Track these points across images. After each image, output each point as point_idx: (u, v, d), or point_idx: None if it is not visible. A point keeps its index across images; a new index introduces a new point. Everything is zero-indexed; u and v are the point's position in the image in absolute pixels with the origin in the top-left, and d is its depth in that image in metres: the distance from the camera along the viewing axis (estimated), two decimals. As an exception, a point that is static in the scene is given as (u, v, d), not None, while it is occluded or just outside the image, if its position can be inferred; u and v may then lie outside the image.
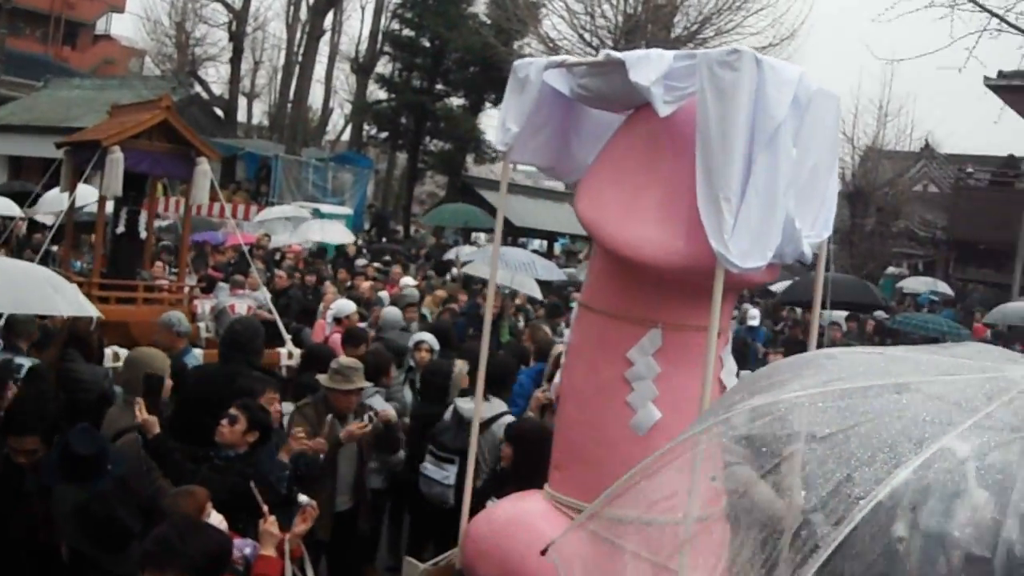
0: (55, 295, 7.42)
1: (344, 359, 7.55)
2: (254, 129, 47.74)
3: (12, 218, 21.93)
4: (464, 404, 7.18)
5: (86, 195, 19.10)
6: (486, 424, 6.97)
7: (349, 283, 16.14)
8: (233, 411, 5.82)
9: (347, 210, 31.59)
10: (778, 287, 18.43)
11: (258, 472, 5.45)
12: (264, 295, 12.66)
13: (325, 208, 28.57)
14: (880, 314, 20.30)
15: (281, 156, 34.40)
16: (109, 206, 11.90)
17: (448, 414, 7.33)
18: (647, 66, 4.39)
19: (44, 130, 40.16)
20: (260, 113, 51.50)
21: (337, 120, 52.59)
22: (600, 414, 4.77)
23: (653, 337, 4.65)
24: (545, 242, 37.85)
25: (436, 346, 9.24)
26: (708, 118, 4.22)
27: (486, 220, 26.53)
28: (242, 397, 6.10)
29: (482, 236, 33.41)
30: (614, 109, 5.07)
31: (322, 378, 7.23)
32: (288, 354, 9.89)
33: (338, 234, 22.80)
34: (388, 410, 7.48)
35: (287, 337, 10.39)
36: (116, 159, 10.72)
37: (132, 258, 12.12)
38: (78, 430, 5.27)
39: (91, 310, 7.81)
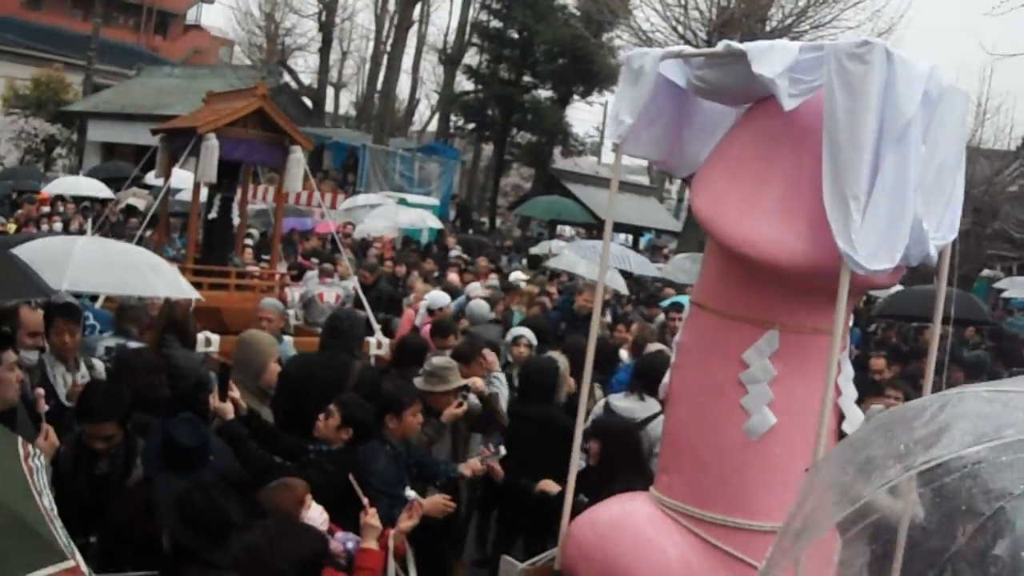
0: (155, 277, 7.46)
1: (437, 359, 7.44)
2: (341, 119, 48.10)
3: (106, 201, 22.43)
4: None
5: (181, 181, 19.48)
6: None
7: (437, 273, 16.09)
8: (331, 406, 5.76)
9: (433, 200, 31.72)
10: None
11: (356, 468, 5.37)
12: (353, 284, 12.65)
13: (411, 198, 28.66)
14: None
15: (369, 146, 34.63)
16: (202, 193, 12.00)
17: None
18: (771, 57, 4.21)
19: (137, 117, 41.04)
20: (347, 103, 51.90)
21: (423, 111, 52.87)
22: (712, 417, 4.62)
23: (770, 339, 4.49)
24: (631, 236, 37.54)
25: (534, 341, 9.02)
26: (836, 112, 4.03)
27: (579, 214, 26.40)
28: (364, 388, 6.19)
29: (567, 229, 33.24)
30: (731, 102, 4.89)
31: (417, 382, 7.13)
32: (377, 343, 9.84)
33: (426, 219, 22.88)
34: (476, 381, 7.30)
35: (376, 327, 10.34)
36: (211, 146, 10.82)
37: (224, 244, 12.24)
38: (180, 420, 5.24)
39: (190, 292, 7.84)
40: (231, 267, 11.73)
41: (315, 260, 16.67)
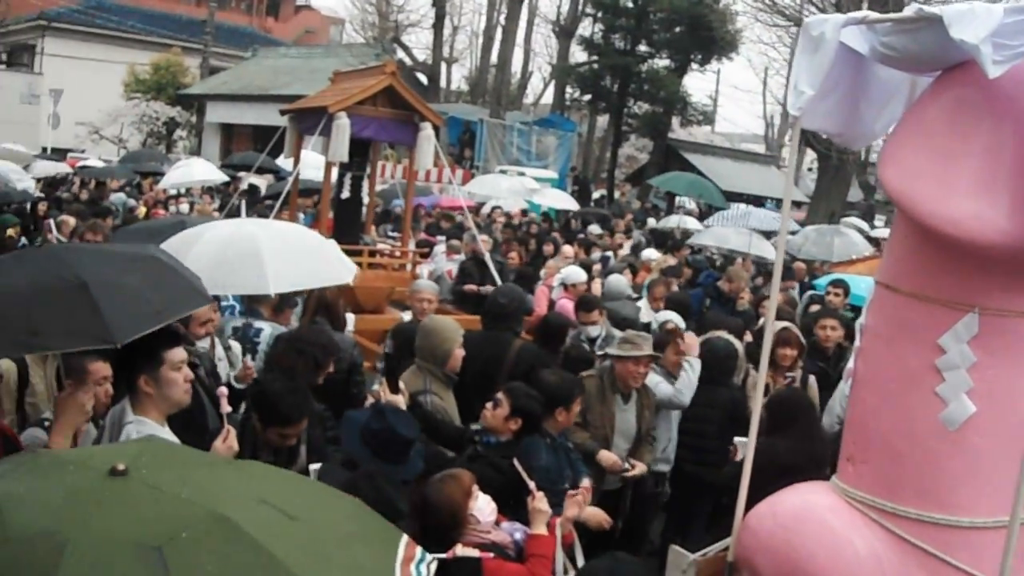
0: (339, 264, 7.52)
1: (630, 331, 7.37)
2: (453, 94, 48.18)
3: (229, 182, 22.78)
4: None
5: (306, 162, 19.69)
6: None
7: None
8: (499, 395, 5.63)
9: (551, 174, 31.58)
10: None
11: (523, 461, 5.23)
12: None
13: (530, 172, 28.56)
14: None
15: (485, 120, 34.57)
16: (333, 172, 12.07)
17: None
18: (972, 22, 3.91)
19: (254, 98, 41.79)
20: (458, 78, 51.96)
21: (536, 84, 52.67)
22: (906, 405, 4.37)
23: (969, 323, 4.21)
24: (750, 206, 36.84)
25: (682, 324, 8.79)
26: None
27: (717, 196, 26.04)
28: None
29: (687, 201, 32.75)
30: (918, 70, 4.62)
31: (611, 349, 7.01)
32: None
33: (560, 200, 22.74)
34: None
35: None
36: (342, 125, 10.89)
37: (355, 223, 12.32)
38: (395, 411, 5.19)
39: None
40: (363, 246, 11.77)
41: (441, 237, 16.69)
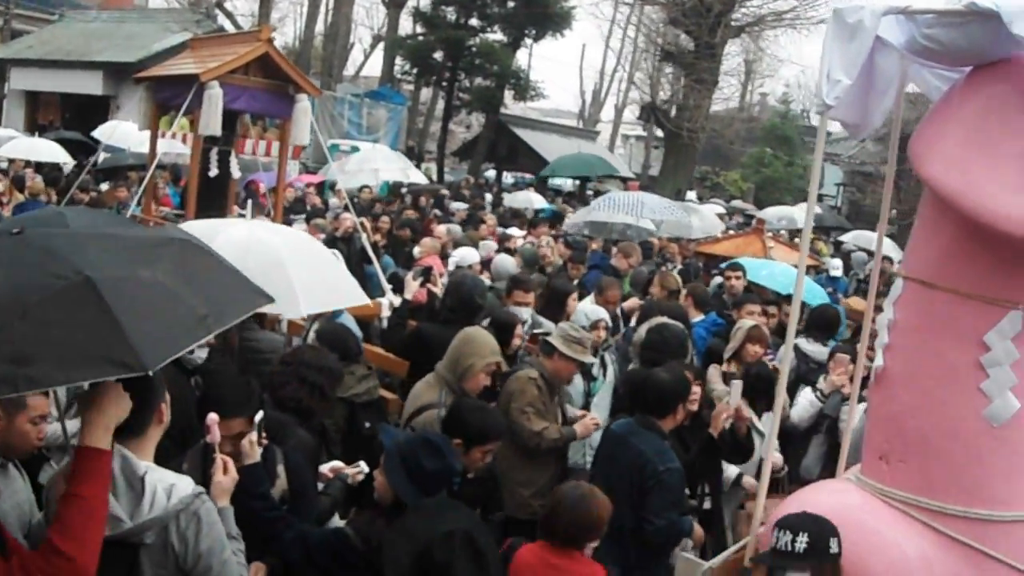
0: (355, 285, 7.18)
1: (566, 324, 7.17)
2: (278, 63, 46.54)
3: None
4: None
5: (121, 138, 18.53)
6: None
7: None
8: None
9: (383, 148, 31.04)
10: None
11: None
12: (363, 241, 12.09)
13: (362, 146, 28.03)
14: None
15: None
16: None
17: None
18: (1037, 20, 3.87)
19: (62, 64, 39.41)
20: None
21: (357, 56, 51.73)
22: (947, 402, 4.32)
23: (1013, 320, 4.19)
24: (577, 182, 37.15)
25: (610, 323, 8.51)
26: None
27: (606, 168, 26.06)
28: None
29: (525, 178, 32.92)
30: (953, 64, 4.56)
31: (562, 347, 6.77)
32: (389, 304, 9.29)
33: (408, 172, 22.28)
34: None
35: (387, 287, 9.85)
36: (215, 95, 10.31)
37: (223, 203, 11.70)
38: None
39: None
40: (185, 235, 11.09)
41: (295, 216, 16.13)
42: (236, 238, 6.39)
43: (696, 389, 6.43)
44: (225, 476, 4.06)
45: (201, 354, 5.76)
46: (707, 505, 6.44)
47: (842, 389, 7.62)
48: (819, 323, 9.05)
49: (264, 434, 4.55)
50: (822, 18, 27.18)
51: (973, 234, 4.19)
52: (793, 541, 3.97)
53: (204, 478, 4.06)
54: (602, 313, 8.12)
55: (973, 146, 4.20)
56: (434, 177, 34.34)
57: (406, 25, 40.22)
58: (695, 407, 6.44)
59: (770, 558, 4.11)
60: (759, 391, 7.02)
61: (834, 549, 4.01)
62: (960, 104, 4.40)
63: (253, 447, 4.44)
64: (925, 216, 4.61)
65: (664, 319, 7.89)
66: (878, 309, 5.21)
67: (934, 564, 4.26)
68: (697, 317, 9.18)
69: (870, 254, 20.77)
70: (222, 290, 3.59)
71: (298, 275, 6.22)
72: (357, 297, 7.07)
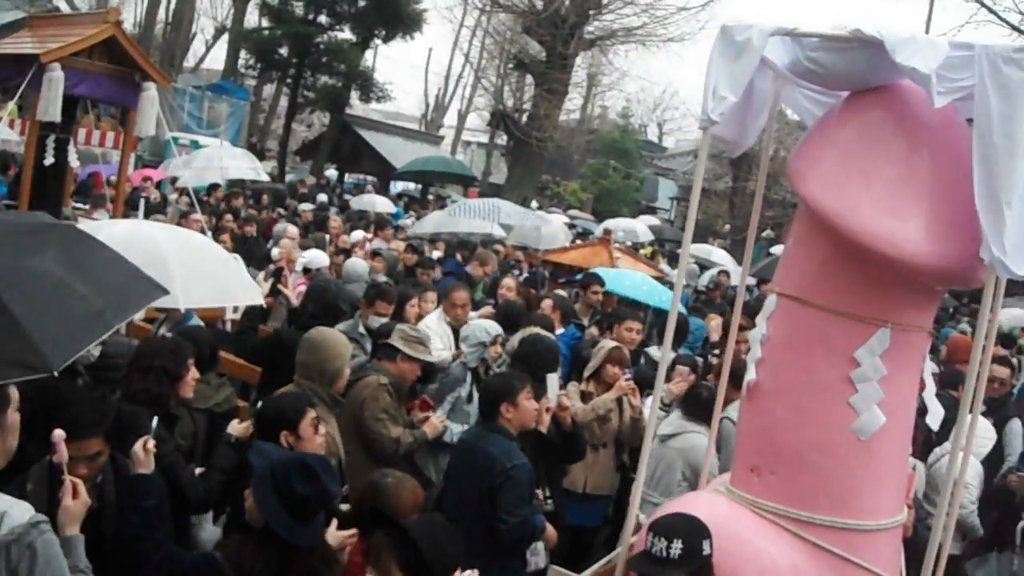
0: (250, 285, 7.08)
1: (404, 326, 7.10)
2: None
3: None
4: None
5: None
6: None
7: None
8: None
9: (229, 146, 30.30)
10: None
11: None
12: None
13: (203, 140, 27.34)
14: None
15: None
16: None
17: None
18: (920, 52, 4.04)
19: None
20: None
21: (199, 47, 50.42)
22: (820, 416, 4.47)
23: (882, 337, 4.38)
24: (420, 186, 36.99)
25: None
26: (991, 117, 3.93)
27: (464, 168, 25.98)
28: None
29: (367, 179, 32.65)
30: (834, 87, 4.72)
31: (399, 343, 6.70)
32: (233, 307, 8.85)
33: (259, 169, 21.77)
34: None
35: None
36: (56, 78, 9.85)
37: (58, 194, 11.17)
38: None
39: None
40: (64, 221, 10.62)
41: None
42: (119, 232, 6.29)
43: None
44: (75, 501, 3.68)
45: (95, 351, 5.50)
46: (548, 507, 6.40)
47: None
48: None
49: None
50: (671, 36, 27.86)
51: (847, 253, 4.35)
52: (668, 548, 4.00)
53: (51, 502, 3.73)
54: (499, 329, 7.88)
55: (850, 168, 4.37)
56: (275, 175, 33.69)
57: (252, 18, 39.34)
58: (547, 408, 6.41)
59: (646, 564, 4.13)
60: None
61: (706, 551, 4.06)
62: (839, 127, 4.56)
63: (148, 456, 4.18)
64: (799, 234, 4.74)
65: (537, 330, 7.89)
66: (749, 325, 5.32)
67: (803, 573, 4.39)
68: (560, 329, 9.17)
69: (703, 267, 21.31)
70: (115, 281, 3.40)
71: (180, 270, 6.08)
72: (248, 296, 6.86)
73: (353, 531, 4.46)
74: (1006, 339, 13.68)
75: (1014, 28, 12.10)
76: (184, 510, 5.06)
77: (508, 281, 10.77)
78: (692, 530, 4.09)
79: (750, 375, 4.74)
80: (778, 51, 4.61)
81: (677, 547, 4.00)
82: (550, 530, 5.89)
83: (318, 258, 11.03)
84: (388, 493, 4.40)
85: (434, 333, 8.22)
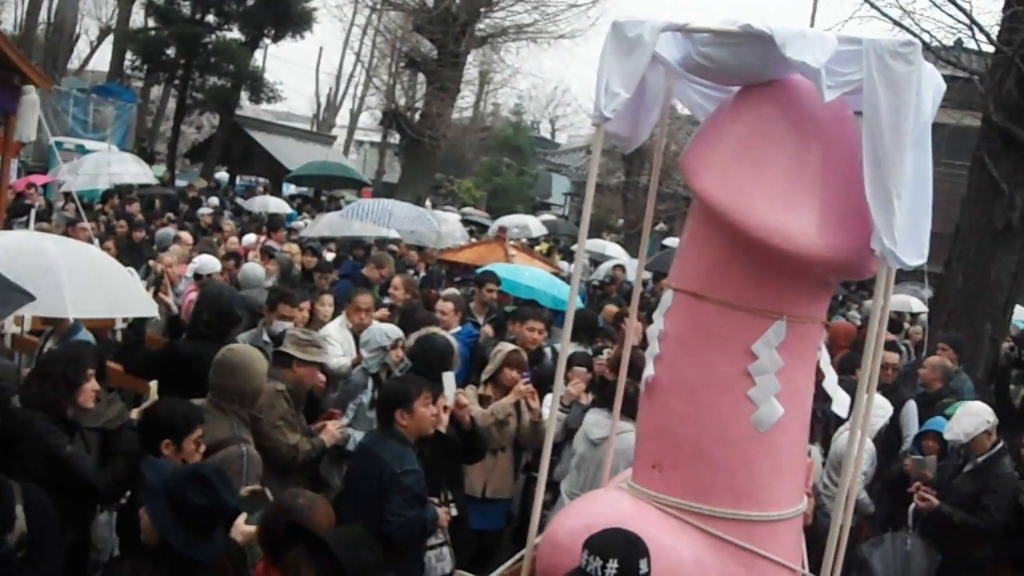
0: (142, 298, 6.95)
1: (295, 330, 6.95)
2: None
3: None
4: None
5: None
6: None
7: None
8: None
9: (118, 151, 29.60)
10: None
11: None
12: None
13: (89, 144, 26.71)
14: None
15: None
16: None
17: None
18: (810, 46, 4.08)
19: None
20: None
21: (83, 48, 49.14)
22: (717, 410, 4.50)
23: (778, 329, 4.42)
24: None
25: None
26: (879, 110, 4.00)
27: (349, 172, 25.66)
28: None
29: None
30: (726, 83, 4.74)
31: (292, 350, 6.58)
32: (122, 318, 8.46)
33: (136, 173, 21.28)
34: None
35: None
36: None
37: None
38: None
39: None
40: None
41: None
42: (7, 242, 6.19)
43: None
44: None
45: None
46: (454, 512, 6.32)
47: (579, 399, 7.67)
48: (578, 326, 8.98)
49: None
50: (562, 33, 27.97)
51: (742, 247, 4.38)
52: (603, 568, 3.92)
53: None
54: (400, 332, 7.69)
55: (743, 163, 4.39)
56: (166, 180, 33.02)
57: (138, 18, 38.52)
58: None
59: None
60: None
61: (643, 570, 3.98)
62: (731, 122, 4.58)
63: None
64: (694, 230, 4.76)
65: (434, 329, 7.82)
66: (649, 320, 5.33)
67: (707, 566, 4.40)
68: (455, 328, 9.11)
69: (597, 261, 21.50)
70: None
71: (70, 281, 5.95)
72: (142, 308, 6.67)
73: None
74: (893, 325, 14.02)
75: (896, 23, 12.34)
76: (92, 500, 4.94)
77: (397, 281, 10.65)
78: (629, 548, 3.98)
79: (648, 371, 4.75)
80: (670, 47, 4.62)
81: (613, 567, 3.89)
82: (441, 514, 5.79)
83: (209, 263, 10.77)
84: (303, 513, 4.23)
85: (335, 340, 8.13)
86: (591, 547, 3.97)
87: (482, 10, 26.63)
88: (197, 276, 10.52)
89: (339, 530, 4.17)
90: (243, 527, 4.42)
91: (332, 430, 6.61)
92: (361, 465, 5.72)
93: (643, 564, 3.96)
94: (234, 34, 34.37)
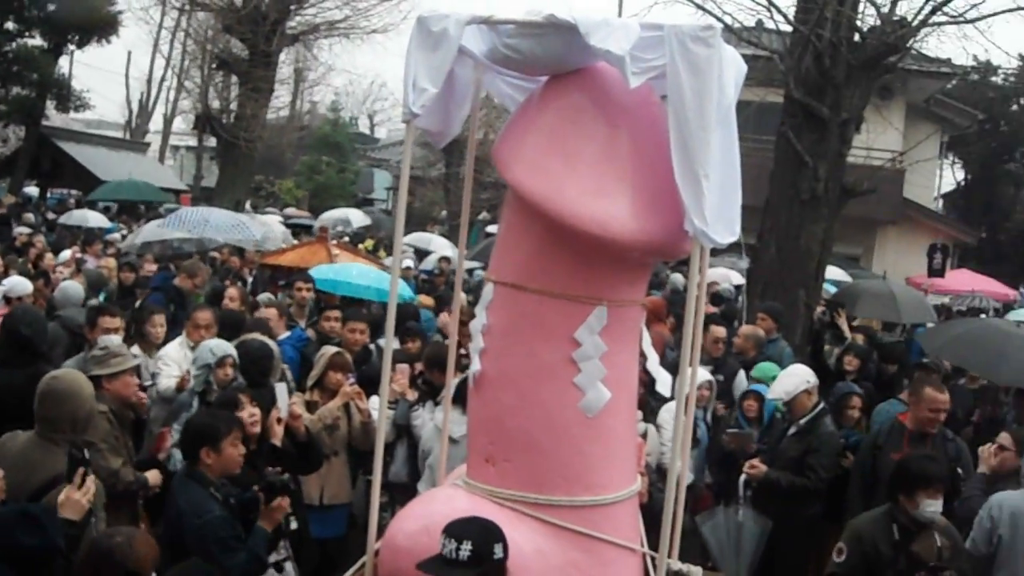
0: None
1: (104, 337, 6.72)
2: None
3: None
4: None
5: None
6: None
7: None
8: None
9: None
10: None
11: None
12: None
13: None
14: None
15: None
16: None
17: None
18: (614, 34, 4.14)
19: None
20: None
21: None
22: (545, 400, 4.52)
23: (599, 315, 4.47)
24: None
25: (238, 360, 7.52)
26: (683, 94, 4.09)
27: (155, 195, 24.87)
28: None
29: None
30: (533, 73, 4.76)
31: (97, 370, 6.32)
32: None
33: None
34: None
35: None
36: None
37: None
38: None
39: None
40: None
41: None
42: None
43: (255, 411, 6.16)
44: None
45: None
46: (294, 526, 6.16)
47: (405, 395, 7.64)
48: (401, 320, 8.90)
49: None
50: (374, 28, 27.73)
51: (557, 236, 4.40)
52: (457, 549, 3.92)
53: None
54: (230, 348, 7.29)
55: (554, 152, 4.43)
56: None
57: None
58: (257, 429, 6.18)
59: (435, 566, 4.05)
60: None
61: (498, 554, 4.00)
62: (539, 112, 4.61)
63: None
64: (510, 221, 4.77)
65: (256, 335, 7.66)
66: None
67: (548, 555, 4.42)
68: (284, 333, 8.96)
69: (424, 254, 21.55)
70: None
71: None
72: None
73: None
74: (716, 297, 14.41)
75: (699, 7, 12.71)
76: None
77: (232, 291, 10.39)
78: (484, 533, 4.02)
79: (475, 366, 4.74)
80: (476, 39, 4.61)
81: (467, 548, 3.91)
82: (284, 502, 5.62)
83: (19, 285, 10.28)
84: (125, 551, 4.02)
85: (172, 360, 7.80)
86: (448, 531, 4.00)
87: (292, 8, 26.17)
88: (7, 299, 10.03)
89: (180, 567, 4.06)
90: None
91: (155, 478, 6.37)
92: (167, 506, 5.47)
93: (498, 549, 3.99)
94: (36, 41, 32.92)
